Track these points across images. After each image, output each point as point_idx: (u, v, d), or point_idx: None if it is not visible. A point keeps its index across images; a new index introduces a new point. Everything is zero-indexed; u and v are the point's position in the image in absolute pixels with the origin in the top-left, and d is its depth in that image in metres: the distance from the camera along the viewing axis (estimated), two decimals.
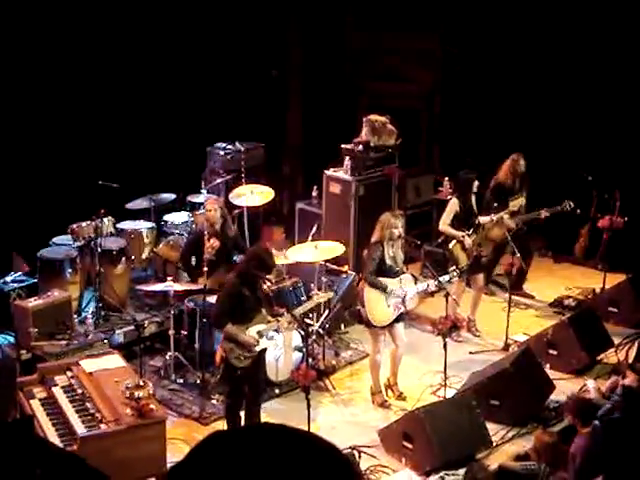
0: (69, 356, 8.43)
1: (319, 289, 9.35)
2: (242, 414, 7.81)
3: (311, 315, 9.25)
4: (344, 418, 8.54)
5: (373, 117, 11.12)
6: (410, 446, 7.61)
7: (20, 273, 9.55)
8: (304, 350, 8.53)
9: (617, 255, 11.02)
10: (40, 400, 6.96)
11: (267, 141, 12.51)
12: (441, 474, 7.36)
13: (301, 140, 13.49)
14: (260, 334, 7.64)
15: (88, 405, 6.74)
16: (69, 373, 7.26)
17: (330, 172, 11.09)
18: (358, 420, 8.50)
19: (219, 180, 11.57)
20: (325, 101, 13.16)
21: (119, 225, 10.27)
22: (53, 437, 6.44)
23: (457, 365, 9.07)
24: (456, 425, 7.68)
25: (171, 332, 8.91)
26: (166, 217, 10.76)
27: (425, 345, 9.67)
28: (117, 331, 9.36)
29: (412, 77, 13.30)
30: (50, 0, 10.74)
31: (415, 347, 9.49)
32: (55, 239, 9.94)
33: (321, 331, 9.41)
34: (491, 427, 7.94)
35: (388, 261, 8.41)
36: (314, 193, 11.49)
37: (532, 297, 11.06)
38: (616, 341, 9.65)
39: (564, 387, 8.71)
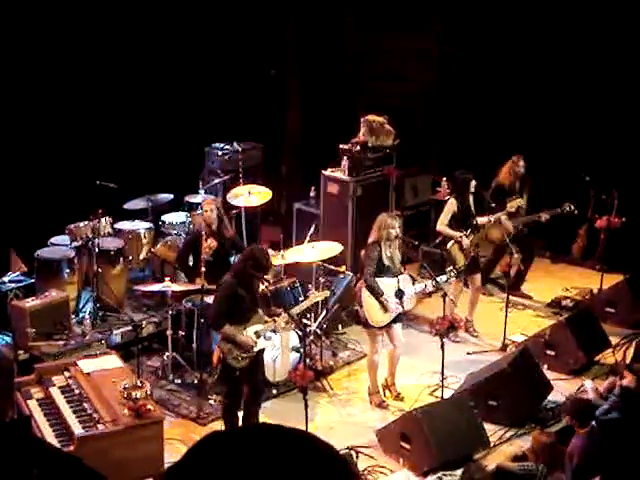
0: (66, 356, 8.43)
1: (317, 289, 9.35)
2: (240, 414, 7.81)
3: (308, 315, 9.25)
4: (342, 418, 8.54)
5: (371, 117, 11.13)
6: (408, 446, 7.61)
7: (18, 273, 9.54)
8: (302, 350, 8.53)
9: (615, 255, 11.02)
10: (37, 400, 6.96)
11: (265, 141, 12.50)
12: (439, 474, 7.37)
13: (299, 140, 13.48)
14: (257, 334, 7.64)
15: (85, 405, 6.74)
16: (66, 373, 7.26)
17: (328, 172, 11.09)
18: (356, 420, 8.50)
19: (217, 180, 11.57)
20: (323, 101, 13.16)
21: (117, 225, 10.25)
22: (50, 437, 6.43)
23: (455, 365, 9.06)
24: (454, 425, 7.69)
25: (169, 332, 8.91)
26: (164, 217, 10.75)
27: (423, 345, 9.67)
28: (115, 331, 9.35)
29: (410, 77, 13.31)
30: (50, 0, 10.73)
31: (413, 347, 9.48)
32: (53, 239, 9.93)
33: (319, 331, 9.41)
34: (489, 427, 7.95)
35: (386, 261, 8.41)
36: (312, 193, 11.49)
37: (530, 297, 11.06)
38: (614, 342, 9.66)
39: (562, 388, 8.73)
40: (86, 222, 9.64)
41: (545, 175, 11.23)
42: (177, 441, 7.77)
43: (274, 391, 8.77)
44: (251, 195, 10.33)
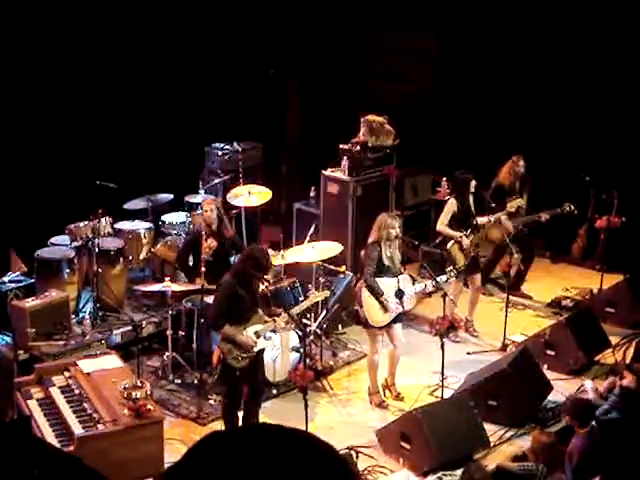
0: (67, 356, 8.43)
1: (317, 289, 9.34)
2: (240, 414, 7.81)
3: (309, 315, 9.25)
4: (342, 418, 8.54)
5: (371, 117, 11.13)
6: (408, 446, 7.61)
7: (18, 273, 9.54)
8: (302, 350, 8.53)
9: (615, 255, 11.02)
10: (37, 400, 6.96)
11: (265, 141, 12.51)
12: (439, 474, 7.36)
13: (299, 140, 13.48)
14: (257, 334, 7.64)
15: (85, 405, 6.74)
16: (66, 373, 7.26)
17: (328, 172, 11.09)
18: (356, 420, 8.50)
19: (217, 180, 11.57)
20: (323, 101, 13.16)
21: (117, 225, 10.25)
22: (50, 437, 6.44)
23: (455, 365, 9.06)
24: (454, 425, 7.68)
25: (169, 332, 8.91)
26: (164, 217, 10.75)
27: (423, 345, 9.67)
28: (115, 331, 9.35)
29: (410, 77, 13.30)
30: (49, 0, 10.74)
31: (413, 347, 9.48)
32: (53, 239, 9.92)
33: (319, 331, 9.41)
34: (489, 427, 7.94)
35: (386, 261, 8.41)
36: (312, 193, 11.49)
37: (530, 297, 11.06)
38: (613, 342, 9.66)
39: (562, 388, 8.72)
40: (86, 222, 9.63)
41: (545, 175, 11.23)
42: (177, 441, 7.77)
43: (274, 391, 8.77)
44: (251, 195, 10.33)
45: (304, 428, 7.05)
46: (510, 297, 10.01)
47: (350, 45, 13.68)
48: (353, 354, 9.69)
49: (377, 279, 8.40)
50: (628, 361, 8.87)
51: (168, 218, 10.73)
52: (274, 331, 8.17)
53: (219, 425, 7.96)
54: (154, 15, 11.73)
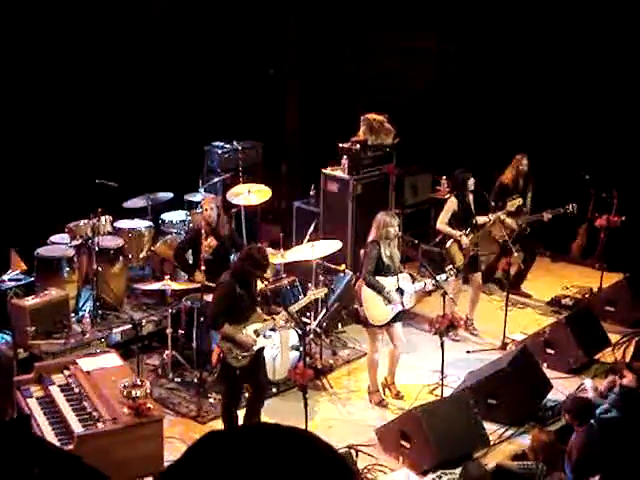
0: (66, 355, 8.43)
1: (316, 288, 9.34)
2: (239, 413, 7.82)
3: (308, 314, 9.25)
4: (341, 417, 8.55)
5: (371, 116, 11.12)
6: (407, 445, 7.61)
7: (17, 271, 9.53)
8: (301, 349, 8.53)
9: (614, 254, 11.03)
10: (37, 399, 6.96)
11: (264, 140, 12.51)
12: (438, 473, 7.36)
13: (299, 139, 13.48)
14: (257, 333, 7.64)
15: (85, 404, 6.74)
16: (66, 372, 7.25)
17: (328, 171, 11.08)
18: (355, 419, 8.50)
19: (217, 179, 11.58)
20: (323, 100, 13.16)
21: (116, 224, 10.25)
22: (50, 436, 6.43)
23: (455, 364, 9.06)
24: (454, 424, 7.68)
25: (169, 331, 8.91)
26: (164, 216, 10.76)
27: (423, 344, 9.67)
28: (114, 330, 9.35)
29: (410, 75, 13.30)
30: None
31: (413, 346, 9.49)
32: (52, 238, 9.92)
33: (318, 330, 9.41)
34: (488, 426, 7.94)
35: (385, 260, 8.41)
36: (312, 192, 11.49)
37: (529, 296, 11.07)
38: (613, 340, 9.66)
39: (561, 386, 8.72)
40: (86, 221, 9.63)
41: (545, 174, 11.23)
42: (177, 440, 7.78)
43: (274, 389, 8.77)
44: (251, 194, 10.33)
45: (304, 426, 7.06)
46: (510, 296, 10.01)
47: (350, 44, 13.67)
48: (353, 353, 9.70)
49: (377, 278, 8.40)
50: (628, 360, 8.88)
51: (168, 217, 10.74)
52: (274, 329, 8.17)
53: (219, 424, 7.96)
54: (155, 15, 11.72)
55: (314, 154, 12.01)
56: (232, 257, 9.27)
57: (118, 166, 10.61)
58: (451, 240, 9.81)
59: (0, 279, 9.24)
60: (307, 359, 8.33)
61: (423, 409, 7.70)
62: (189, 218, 10.59)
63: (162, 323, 9.48)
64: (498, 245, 10.68)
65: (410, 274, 8.95)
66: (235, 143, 11.99)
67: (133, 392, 6.53)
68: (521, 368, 8.37)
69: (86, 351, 8.32)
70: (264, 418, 7.92)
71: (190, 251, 9.35)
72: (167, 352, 8.98)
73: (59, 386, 7.07)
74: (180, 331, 9.03)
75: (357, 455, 7.58)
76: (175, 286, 8.92)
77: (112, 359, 7.45)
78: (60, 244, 9.79)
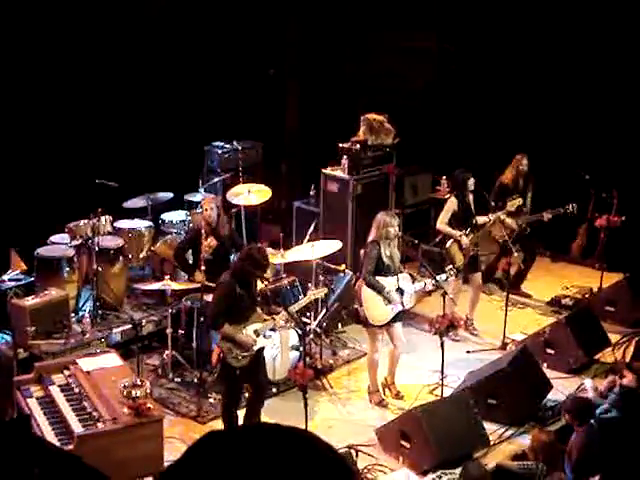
0: (66, 355, 8.43)
1: (316, 288, 9.34)
2: (239, 413, 7.81)
3: (308, 314, 9.25)
4: (341, 417, 8.54)
5: (371, 116, 11.12)
6: (407, 445, 7.61)
7: (17, 271, 9.53)
8: (301, 349, 8.53)
9: (614, 254, 11.03)
10: (37, 399, 6.96)
11: (264, 140, 12.50)
12: (438, 473, 7.36)
13: (298, 139, 13.48)
14: (257, 333, 7.64)
15: (85, 404, 6.74)
16: (66, 372, 7.25)
17: (328, 171, 11.08)
18: (355, 419, 8.50)
19: (217, 179, 11.58)
20: (323, 99, 13.16)
21: (116, 224, 10.25)
22: (50, 436, 6.43)
23: (454, 364, 9.06)
24: (454, 424, 7.68)
25: (169, 331, 8.91)
26: (164, 216, 10.76)
27: (423, 344, 9.67)
28: (114, 330, 9.35)
29: (410, 75, 13.29)
30: None
31: (413, 346, 9.49)
32: (52, 238, 9.92)
33: (318, 330, 9.41)
34: (488, 426, 7.94)
35: (385, 260, 8.41)
36: (312, 192, 11.49)
37: (529, 296, 11.07)
38: (613, 340, 9.66)
39: (561, 386, 8.72)
40: (86, 220, 9.63)
41: (545, 174, 11.23)
42: (177, 440, 7.77)
43: (274, 389, 8.77)
44: (251, 194, 10.33)
45: (304, 427, 7.06)
46: (510, 296, 10.01)
47: (350, 44, 13.67)
48: (353, 353, 9.70)
49: (377, 278, 8.40)
50: (628, 360, 8.88)
51: (168, 217, 10.74)
52: (274, 329, 8.17)
53: (219, 424, 7.96)
54: (155, 15, 11.72)
55: (314, 154, 12.01)
56: (232, 257, 9.26)
57: (118, 166, 10.61)
58: (451, 240, 9.81)
59: (0, 279, 9.25)
60: (307, 359, 8.33)
61: (423, 409, 7.70)
62: (189, 218, 10.59)
63: (162, 323, 9.48)
64: (498, 245, 10.68)
65: (410, 274, 8.95)
66: (235, 143, 11.99)
67: (133, 392, 6.53)
68: (521, 368, 8.37)
69: (86, 351, 8.31)
70: (264, 418, 7.92)
71: (190, 251, 9.35)
72: (167, 352, 8.97)
73: (59, 386, 7.07)
74: (180, 331, 9.03)
75: (357, 455, 7.58)
76: (175, 286, 8.92)
77: (112, 359, 7.45)
78: (60, 244, 9.79)
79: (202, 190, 11.07)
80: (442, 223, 9.90)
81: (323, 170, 11.09)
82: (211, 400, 8.54)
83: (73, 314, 9.39)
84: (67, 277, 9.52)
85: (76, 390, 6.95)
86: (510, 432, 8.07)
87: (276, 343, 8.69)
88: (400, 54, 13.26)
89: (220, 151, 11.93)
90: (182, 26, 12.04)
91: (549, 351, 9.25)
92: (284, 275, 9.56)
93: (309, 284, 9.37)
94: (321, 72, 13.33)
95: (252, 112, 12.53)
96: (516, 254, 10.11)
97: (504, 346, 9.64)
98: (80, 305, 9.71)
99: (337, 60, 13.60)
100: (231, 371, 7.61)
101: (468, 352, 9.67)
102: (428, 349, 9.38)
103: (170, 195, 10.95)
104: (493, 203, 10.19)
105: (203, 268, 8.64)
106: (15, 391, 7.14)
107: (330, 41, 13.45)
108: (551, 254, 12.25)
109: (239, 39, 12.62)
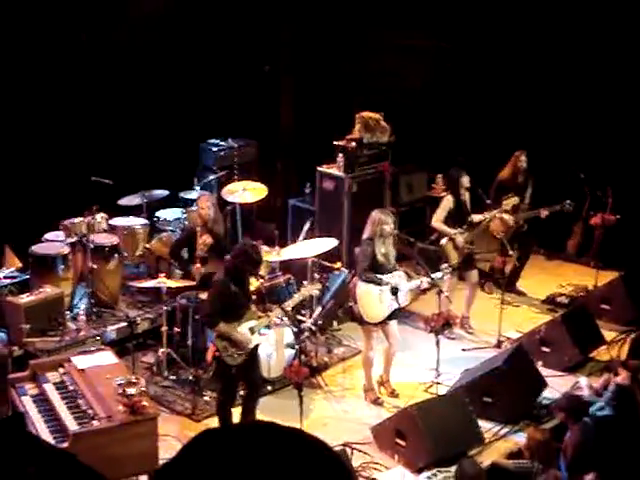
0: (61, 352, 8.42)
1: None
2: (234, 411, 7.81)
3: (304, 312, 9.25)
4: (336, 415, 8.54)
5: (366, 114, 11.12)
6: (403, 443, 7.61)
7: (12, 269, 9.52)
8: (296, 347, 8.53)
9: (609, 252, 11.04)
10: (32, 397, 6.95)
11: (260, 138, 12.49)
12: (434, 471, 7.37)
13: (294, 136, 13.47)
14: (252, 330, 7.64)
15: (80, 402, 6.73)
16: (61, 370, 7.24)
17: (323, 169, 11.08)
18: (350, 417, 8.50)
19: (212, 177, 11.56)
20: (318, 97, 13.14)
21: (112, 221, 10.24)
22: (45, 434, 6.42)
23: (450, 362, 9.06)
24: (449, 422, 7.69)
25: (164, 329, 8.90)
26: (159, 213, 10.75)
27: (418, 342, 9.68)
28: (109, 327, 9.34)
29: (405, 73, 13.28)
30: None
31: (408, 344, 9.49)
32: (47, 235, 9.90)
33: (313, 328, 9.40)
34: (483, 424, 7.95)
35: (380, 258, 8.40)
36: (307, 190, 11.48)
37: (524, 294, 11.07)
38: (608, 338, 9.67)
39: (556, 384, 8.72)
40: (81, 218, 9.63)
41: (541, 172, 11.23)
42: (172, 437, 7.76)
43: (269, 387, 8.76)
44: (246, 191, 10.32)
45: (299, 424, 7.07)
46: (505, 294, 10.01)
47: (345, 42, 13.65)
48: (348, 350, 9.70)
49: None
50: (623, 358, 8.88)
51: (163, 214, 10.73)
52: (269, 327, 8.17)
53: (214, 421, 7.95)
54: (150, 13, 11.69)
55: (309, 152, 12.00)
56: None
57: (113, 163, 10.60)
58: (446, 238, 9.81)
59: None
60: (302, 357, 8.34)
61: (418, 407, 7.70)
62: (184, 216, 10.58)
63: (157, 321, 9.47)
64: (498, 242, 10.68)
65: (405, 272, 8.94)
66: (230, 141, 11.99)
67: (128, 390, 6.53)
68: (516, 366, 8.37)
69: (81, 349, 8.30)
70: (259, 416, 7.91)
71: (185, 249, 9.34)
72: (162, 350, 8.97)
73: (54, 384, 7.06)
74: (175, 329, 9.02)
75: (352, 453, 7.59)
76: (170, 284, 8.91)
77: (107, 357, 7.44)
78: (55, 241, 9.77)
79: (197, 188, 11.06)
80: (437, 221, 9.90)
81: (318, 168, 11.09)
82: (206, 398, 8.54)
83: (68, 312, 9.38)
84: (62, 275, 9.51)
85: (71, 388, 6.94)
86: (505, 430, 8.07)
87: (271, 341, 8.69)
88: (396, 52, 13.25)
89: (215, 149, 11.92)
90: (176, 24, 12.02)
91: (544, 349, 9.25)
92: (280, 273, 9.55)
93: (304, 282, 9.37)
94: (316, 69, 13.31)
95: (247, 110, 12.52)
96: (511, 252, 10.11)
97: (499, 344, 9.64)
98: (75, 303, 9.70)
99: (332, 57, 13.59)
100: (227, 369, 7.61)
101: (463, 350, 9.68)
102: (423, 347, 9.38)
103: (165, 193, 10.94)
104: (490, 201, 10.17)
105: (198, 266, 8.63)
106: (10, 389, 7.12)
107: (325, 38, 13.44)
108: (546, 252, 12.26)
109: (234, 36, 12.60)
